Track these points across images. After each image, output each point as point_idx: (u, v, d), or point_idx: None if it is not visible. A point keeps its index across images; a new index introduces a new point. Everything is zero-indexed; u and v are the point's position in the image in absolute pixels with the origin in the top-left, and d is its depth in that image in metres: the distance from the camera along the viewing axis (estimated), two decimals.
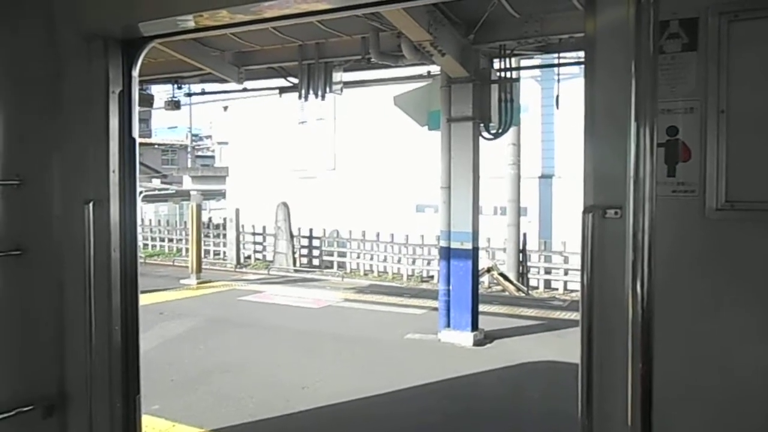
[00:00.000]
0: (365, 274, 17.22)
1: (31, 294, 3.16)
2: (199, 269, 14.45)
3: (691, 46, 2.04)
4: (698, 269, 2.04)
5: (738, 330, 1.99)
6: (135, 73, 3.22)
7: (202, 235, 17.05)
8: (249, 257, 19.59)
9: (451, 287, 9.14)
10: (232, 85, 11.60)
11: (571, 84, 13.15)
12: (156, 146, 43.35)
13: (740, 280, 1.99)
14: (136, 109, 3.26)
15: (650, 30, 1.95)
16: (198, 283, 14.08)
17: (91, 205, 3.02)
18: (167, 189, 30.52)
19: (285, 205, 18.26)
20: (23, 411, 3.07)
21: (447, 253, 9.18)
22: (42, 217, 3.19)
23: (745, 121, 1.98)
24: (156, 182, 31.32)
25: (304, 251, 18.68)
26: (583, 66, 2.28)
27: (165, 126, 48.11)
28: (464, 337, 8.96)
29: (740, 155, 1.98)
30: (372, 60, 9.22)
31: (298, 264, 18.22)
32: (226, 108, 25.00)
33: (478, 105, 8.88)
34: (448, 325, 9.16)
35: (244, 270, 17.90)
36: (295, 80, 10.72)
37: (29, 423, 3.12)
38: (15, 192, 3.08)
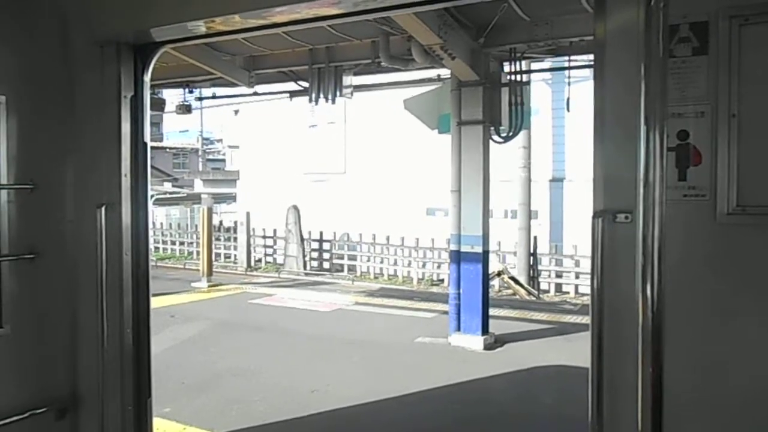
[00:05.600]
0: (375, 278, 17.23)
1: (44, 297, 3.19)
2: (210, 272, 14.51)
3: (702, 50, 2.03)
4: (709, 274, 2.03)
5: (749, 335, 1.97)
6: (147, 77, 3.25)
7: (213, 239, 17.13)
8: (260, 260, 19.64)
9: (461, 291, 9.13)
10: (243, 89, 11.65)
11: (581, 87, 13.11)
12: (167, 150, 43.58)
13: (752, 285, 1.97)
14: (148, 113, 3.29)
15: (660, 34, 1.95)
16: (209, 286, 14.13)
17: (103, 208, 3.05)
18: (178, 192, 30.68)
19: (295, 208, 18.30)
20: (36, 413, 3.10)
21: (457, 257, 9.16)
22: (55, 221, 3.22)
23: (756, 124, 1.96)
24: (167, 186, 31.50)
25: (315, 254, 18.71)
26: (593, 69, 2.27)
27: (176, 130, 48.44)
28: (474, 341, 8.93)
29: (752, 159, 1.97)
30: (382, 64, 9.24)
31: (308, 267, 18.24)
32: (236, 112, 25.09)
33: (488, 108, 8.88)
34: (459, 329, 9.14)
35: (254, 273, 17.95)
36: (306, 84, 10.76)
37: (42, 425, 3.14)
38: (29, 196, 3.11)
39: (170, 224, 24.81)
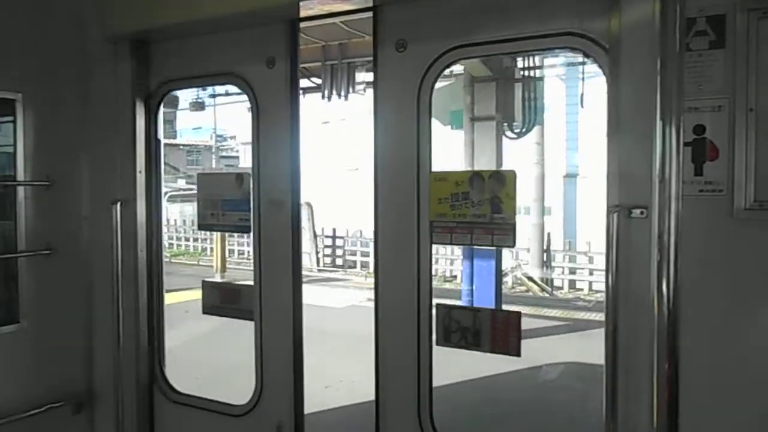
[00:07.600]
0: None
1: (60, 292, 3.22)
2: (223, 268, 14.59)
3: (719, 44, 2.00)
4: (725, 270, 2.00)
5: (766, 331, 1.95)
6: (160, 74, 3.26)
7: (227, 235, 17.20)
8: None
9: (474, 287, 9.10)
10: None
11: (596, 82, 13.01)
12: (181, 147, 43.78)
13: None
14: (162, 110, 3.31)
15: (676, 27, 1.92)
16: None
17: (118, 205, 3.07)
18: (192, 189, 30.76)
19: (308, 204, 18.35)
20: (53, 407, 3.14)
21: (470, 253, 9.14)
22: (70, 217, 3.25)
23: None
24: (181, 183, 31.68)
25: (328, 251, 18.75)
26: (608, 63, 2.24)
27: (190, 127, 48.63)
28: None
29: None
30: None
31: (321, 263, 18.29)
32: (249, 108, 25.17)
33: (501, 104, 8.85)
34: None
35: None
36: (319, 81, 10.77)
37: (59, 419, 3.18)
38: (44, 193, 3.14)
39: (184, 221, 24.94)
